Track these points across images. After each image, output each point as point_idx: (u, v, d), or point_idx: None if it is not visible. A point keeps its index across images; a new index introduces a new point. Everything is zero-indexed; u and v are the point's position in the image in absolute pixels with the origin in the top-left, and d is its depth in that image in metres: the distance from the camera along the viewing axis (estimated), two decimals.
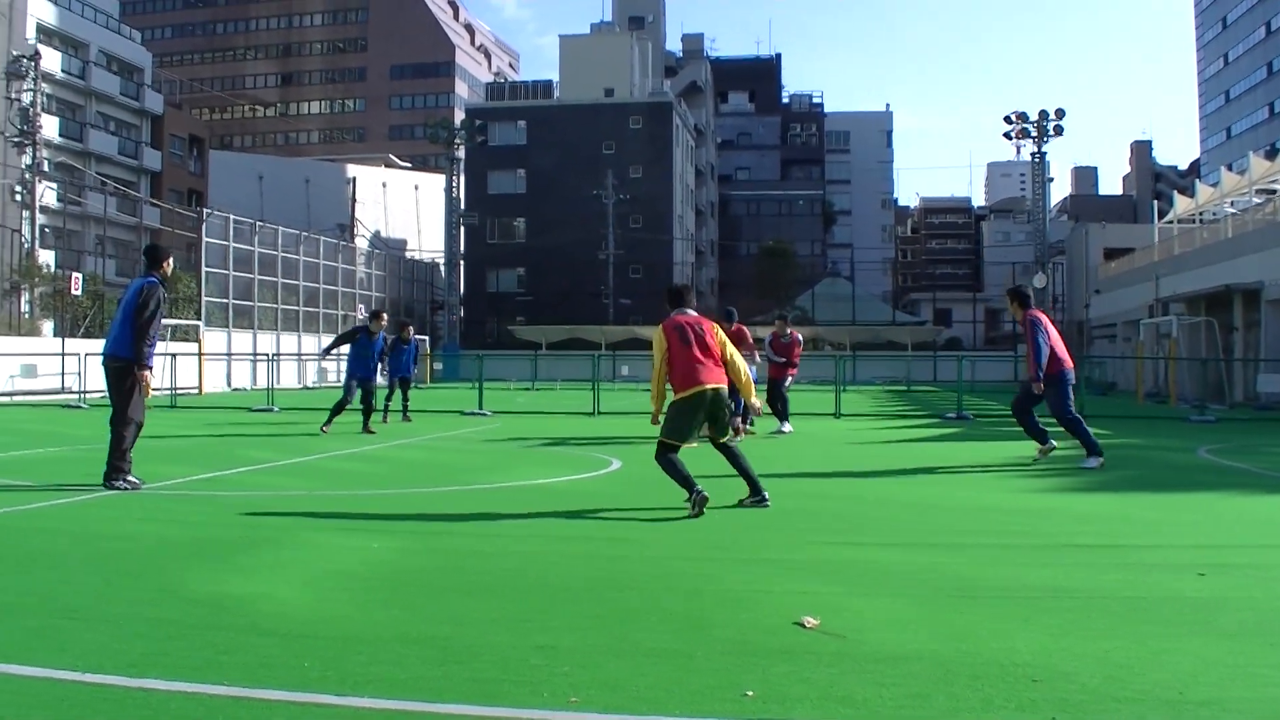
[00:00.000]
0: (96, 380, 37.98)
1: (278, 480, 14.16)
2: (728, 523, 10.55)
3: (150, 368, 12.74)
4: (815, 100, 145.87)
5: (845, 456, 18.30)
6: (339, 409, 22.61)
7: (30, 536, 9.44)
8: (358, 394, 23.01)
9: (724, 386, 11.65)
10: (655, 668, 5.48)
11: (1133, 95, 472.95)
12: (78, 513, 10.87)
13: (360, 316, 64.19)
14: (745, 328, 21.91)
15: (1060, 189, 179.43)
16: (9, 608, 6.69)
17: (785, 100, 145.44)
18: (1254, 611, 6.90)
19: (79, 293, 53.44)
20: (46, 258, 62.74)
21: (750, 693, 5.07)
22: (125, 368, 12.66)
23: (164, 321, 16.69)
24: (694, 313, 11.94)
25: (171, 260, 13.74)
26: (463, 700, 4.97)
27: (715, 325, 11.92)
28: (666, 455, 11.49)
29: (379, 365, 24.03)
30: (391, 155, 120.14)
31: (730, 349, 11.80)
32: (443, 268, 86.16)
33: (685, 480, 11.29)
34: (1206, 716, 4.83)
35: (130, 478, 12.73)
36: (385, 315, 24.82)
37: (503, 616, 6.59)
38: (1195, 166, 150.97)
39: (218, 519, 10.55)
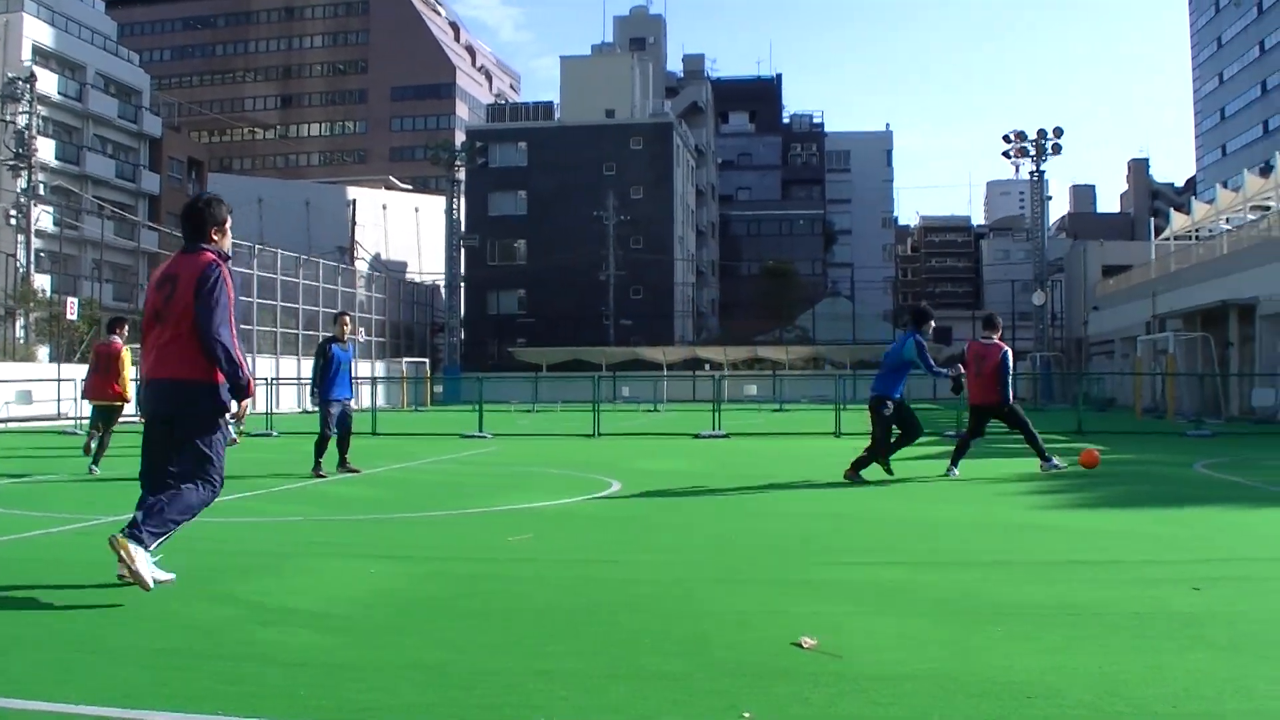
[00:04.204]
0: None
1: (277, 506, 14.16)
2: (729, 544, 10.58)
3: None
4: (816, 120, 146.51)
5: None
6: (322, 447, 18.24)
7: (32, 566, 9.39)
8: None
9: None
10: (657, 690, 5.48)
11: (1130, 114, 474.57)
12: (75, 541, 10.84)
13: (362, 339, 64.10)
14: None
15: (1059, 207, 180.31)
16: (16, 640, 6.65)
17: (786, 120, 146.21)
18: (1248, 624, 7.01)
19: (75, 318, 53.36)
20: (42, 282, 62.66)
21: (748, 714, 5.06)
22: None
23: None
24: None
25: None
26: None
27: None
28: None
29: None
30: (392, 177, 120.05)
31: None
32: (443, 290, 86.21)
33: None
34: None
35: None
36: (350, 316, 20.55)
37: (504, 641, 6.58)
38: (1192, 184, 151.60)
39: (216, 546, 10.44)
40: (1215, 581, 8.42)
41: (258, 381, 32.11)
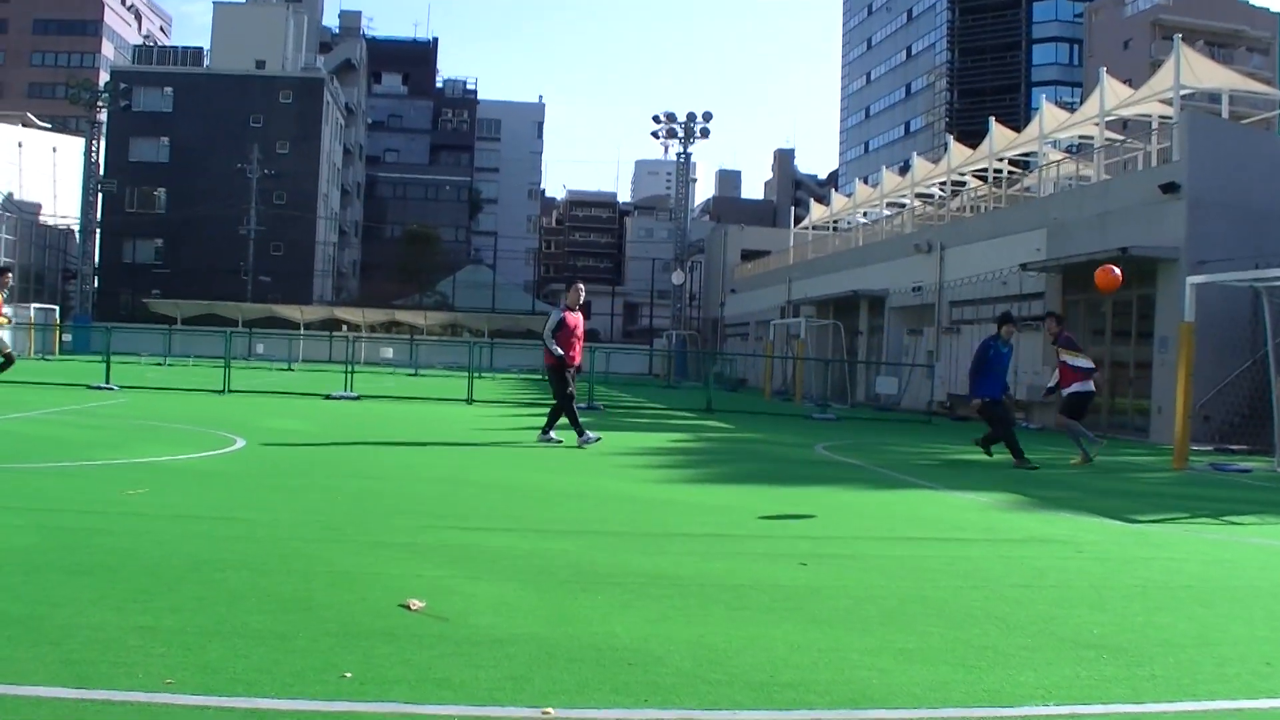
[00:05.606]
0: None
1: None
2: (344, 505, 10.67)
3: None
4: (469, 87, 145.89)
5: (473, 442, 18.51)
6: None
7: None
8: None
9: None
10: (256, 649, 5.43)
11: (780, 104, 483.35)
12: None
13: None
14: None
15: (704, 190, 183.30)
16: None
17: (440, 85, 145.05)
18: (847, 599, 7.33)
19: None
20: None
21: (348, 674, 5.09)
22: None
23: None
24: None
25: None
26: (50, 683, 4.79)
27: None
28: None
29: None
30: (30, 114, 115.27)
31: None
32: (77, 235, 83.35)
33: None
34: (791, 697, 5.10)
35: None
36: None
37: (106, 596, 6.41)
38: (834, 177, 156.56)
39: None
40: (821, 558, 8.84)
41: None
